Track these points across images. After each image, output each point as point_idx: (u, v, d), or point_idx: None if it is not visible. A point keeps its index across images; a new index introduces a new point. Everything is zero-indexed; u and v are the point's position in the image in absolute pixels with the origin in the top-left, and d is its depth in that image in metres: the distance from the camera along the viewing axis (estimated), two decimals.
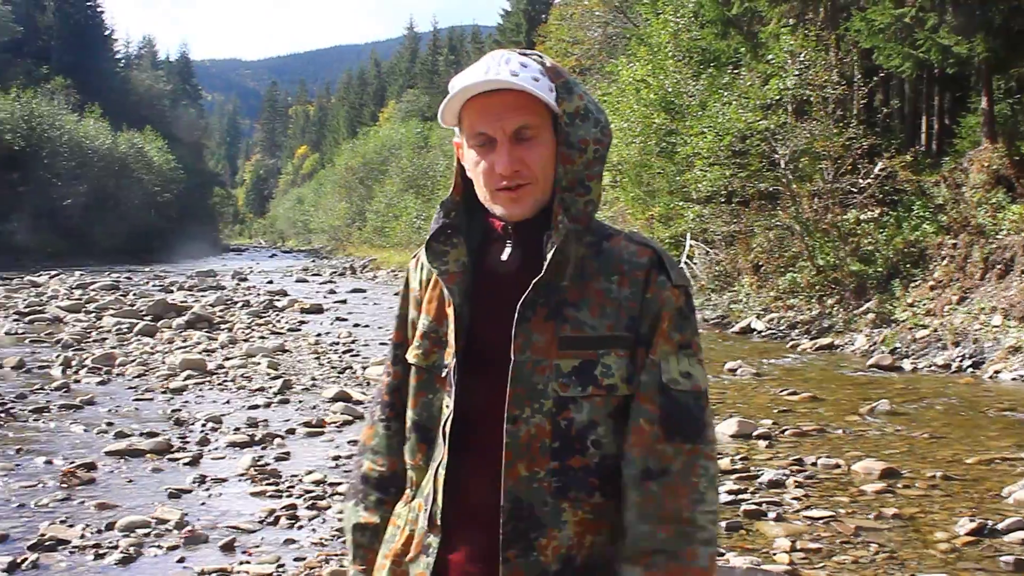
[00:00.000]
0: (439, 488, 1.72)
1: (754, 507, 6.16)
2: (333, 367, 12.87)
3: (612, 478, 1.67)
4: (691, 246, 19.33)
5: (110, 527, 5.95)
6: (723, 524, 5.86)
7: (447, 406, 1.73)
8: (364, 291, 28.53)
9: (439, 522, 1.72)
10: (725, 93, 17.39)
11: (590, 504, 1.67)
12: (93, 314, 19.29)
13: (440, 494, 1.72)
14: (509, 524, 1.65)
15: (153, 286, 28.67)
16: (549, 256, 1.65)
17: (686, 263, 19.19)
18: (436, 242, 1.77)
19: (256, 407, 10.00)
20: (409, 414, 1.83)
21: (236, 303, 21.88)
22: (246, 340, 15.29)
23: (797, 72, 16.34)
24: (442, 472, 1.72)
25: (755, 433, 8.41)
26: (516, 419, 1.66)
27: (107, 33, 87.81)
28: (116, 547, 5.59)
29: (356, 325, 18.44)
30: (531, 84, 1.66)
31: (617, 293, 1.68)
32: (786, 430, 8.60)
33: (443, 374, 1.76)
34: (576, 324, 1.66)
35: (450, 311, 1.75)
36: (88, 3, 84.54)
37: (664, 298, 1.69)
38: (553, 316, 1.67)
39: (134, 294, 24.34)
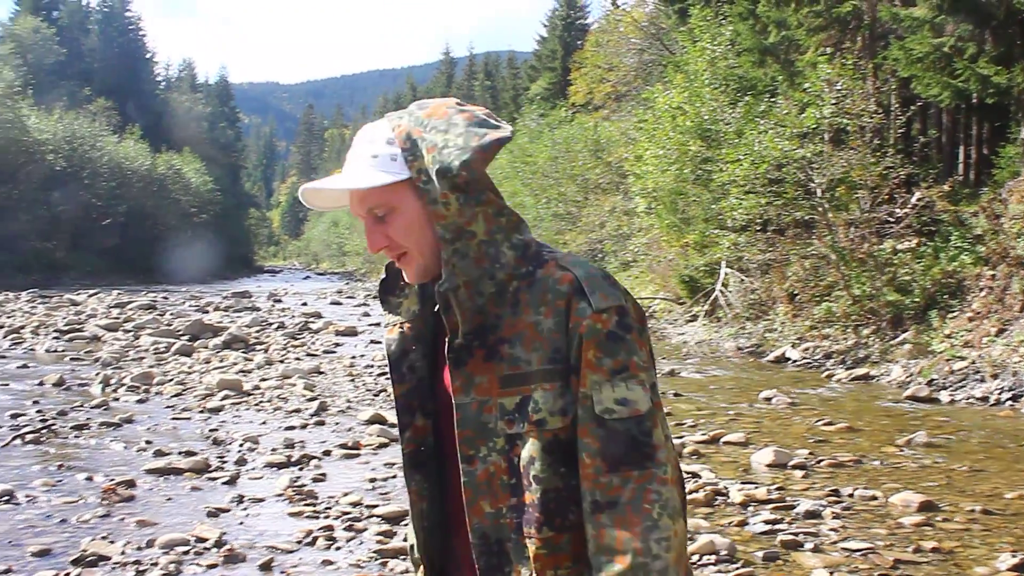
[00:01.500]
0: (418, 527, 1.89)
1: (791, 537, 6.13)
2: (368, 389, 12.95)
3: (559, 511, 1.66)
4: (726, 274, 19.28)
5: (150, 544, 6.03)
6: (760, 554, 5.85)
7: (403, 450, 1.87)
8: None
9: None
10: (761, 121, 17.37)
11: (540, 539, 1.67)
12: (131, 333, 19.52)
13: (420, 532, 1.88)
14: (482, 559, 1.71)
15: (189, 306, 28.95)
16: (446, 317, 1.70)
17: (720, 291, 19.14)
18: (390, 295, 1.86)
19: (292, 428, 10.08)
20: None
21: (271, 324, 22.04)
22: (282, 361, 15.41)
23: (834, 101, 16.30)
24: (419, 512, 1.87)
25: (791, 463, 8.37)
26: (472, 459, 1.70)
27: (148, 56, 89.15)
28: (156, 564, 5.66)
29: None
30: (365, 171, 1.70)
31: (544, 324, 1.66)
32: (822, 460, 8.55)
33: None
34: (512, 361, 1.67)
35: (387, 357, 1.87)
36: (131, 27, 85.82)
37: (585, 326, 1.64)
38: (491, 356, 1.68)
39: (171, 314, 24.60)
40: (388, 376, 1.91)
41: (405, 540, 1.68)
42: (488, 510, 1.70)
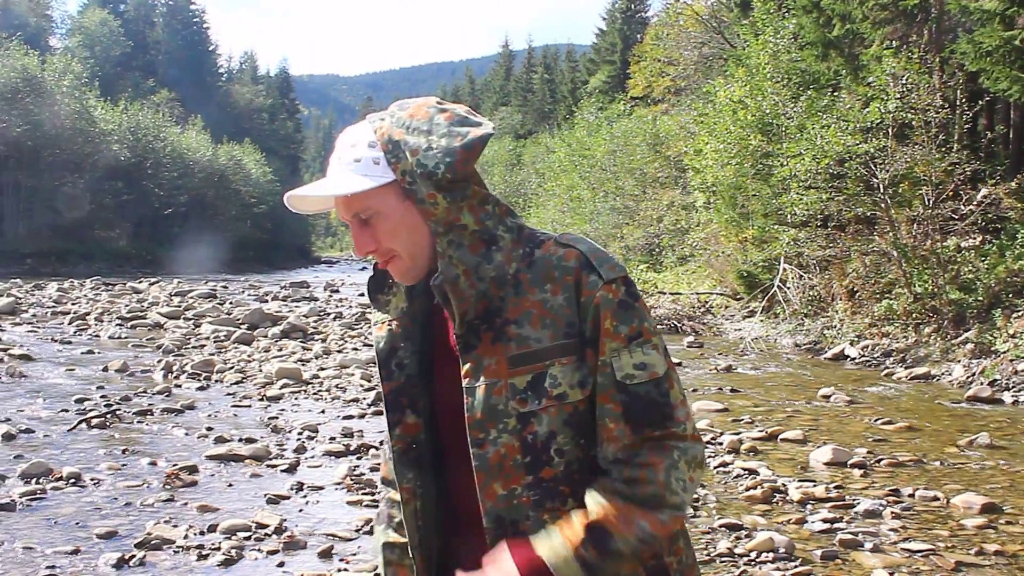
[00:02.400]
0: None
1: (850, 536, 6.06)
2: None
3: (582, 482, 1.71)
4: (785, 270, 19.10)
5: (212, 529, 6.13)
6: (818, 552, 5.80)
7: (393, 447, 1.89)
8: None
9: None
10: (824, 115, 17.16)
11: (565, 511, 1.70)
12: (192, 321, 19.83)
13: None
14: (496, 544, 1.72)
15: (248, 295, 29.33)
16: (448, 308, 1.74)
17: (779, 287, 18.96)
18: (379, 293, 1.89)
19: (350, 417, 10.17)
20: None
21: (329, 314, 22.26)
22: (339, 351, 15.56)
23: (899, 95, 16.05)
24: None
25: (850, 461, 8.27)
26: (482, 442, 1.72)
27: (211, 48, 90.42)
28: (218, 549, 5.76)
29: None
30: (348, 176, 1.72)
31: (552, 301, 1.70)
32: (882, 459, 8.44)
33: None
34: (520, 341, 1.70)
35: (376, 354, 1.92)
36: (194, 19, 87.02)
37: (599, 298, 1.69)
38: (498, 338, 1.71)
39: (230, 303, 24.94)
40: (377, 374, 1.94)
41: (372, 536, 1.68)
42: (501, 492, 1.72)
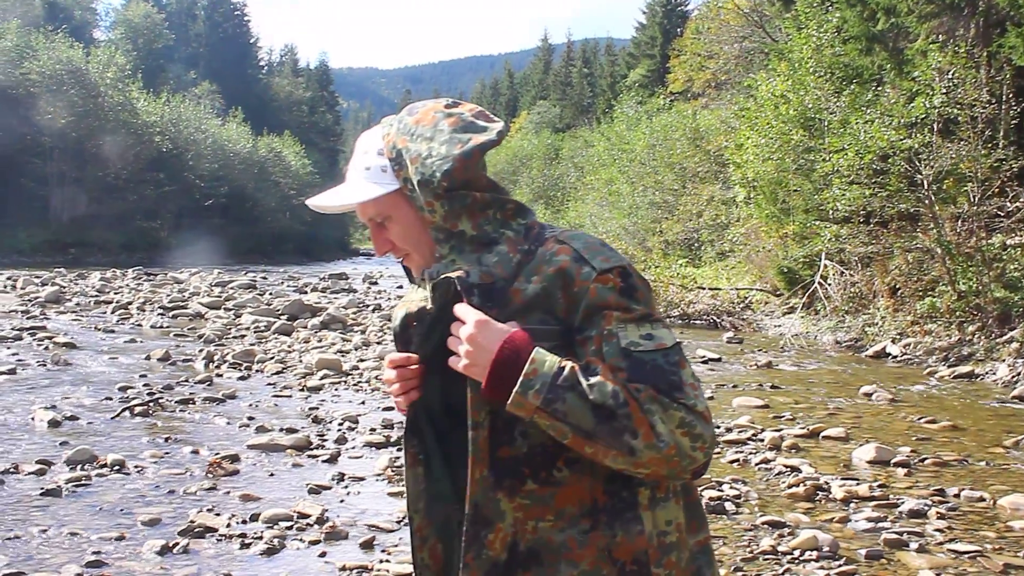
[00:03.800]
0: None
1: (895, 536, 5.99)
2: None
3: (546, 466, 1.71)
4: (826, 266, 18.92)
5: (254, 518, 6.17)
6: (863, 552, 5.74)
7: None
8: None
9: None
10: (867, 110, 16.96)
11: (525, 491, 1.71)
12: (232, 311, 19.98)
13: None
14: (470, 529, 1.74)
15: (288, 286, 29.51)
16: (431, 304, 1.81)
17: (820, 283, 18.80)
18: (411, 279, 1.97)
19: (391, 409, 10.17)
20: None
21: (368, 306, 22.34)
22: (379, 343, 15.60)
23: (945, 90, 15.82)
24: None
25: (893, 460, 8.18)
26: (477, 425, 1.73)
27: (252, 41, 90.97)
28: (260, 538, 5.79)
29: None
30: (359, 183, 1.81)
31: (532, 289, 1.71)
32: (926, 459, 8.34)
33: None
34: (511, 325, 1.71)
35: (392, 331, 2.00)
36: (236, 12, 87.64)
37: (595, 288, 1.68)
38: (501, 319, 1.71)
39: (270, 293, 25.10)
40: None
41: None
42: (478, 476, 1.73)
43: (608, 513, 1.72)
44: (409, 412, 1.91)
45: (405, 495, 1.96)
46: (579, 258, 1.71)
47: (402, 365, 1.89)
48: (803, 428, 9.48)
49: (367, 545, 5.76)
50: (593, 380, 1.61)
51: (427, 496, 1.92)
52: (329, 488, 7.03)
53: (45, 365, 12.29)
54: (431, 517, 1.92)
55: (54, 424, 8.83)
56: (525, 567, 1.72)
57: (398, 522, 6.19)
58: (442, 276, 1.76)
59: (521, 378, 1.61)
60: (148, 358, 13.28)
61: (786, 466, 7.88)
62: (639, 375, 1.63)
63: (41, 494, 6.60)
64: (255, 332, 16.50)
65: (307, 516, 6.21)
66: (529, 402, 1.61)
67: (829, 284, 18.72)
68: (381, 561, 5.48)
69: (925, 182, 15.73)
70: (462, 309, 1.69)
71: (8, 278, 26.29)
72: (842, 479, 7.50)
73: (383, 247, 1.87)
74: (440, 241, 1.78)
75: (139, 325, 17.59)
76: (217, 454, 7.85)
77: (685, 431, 1.61)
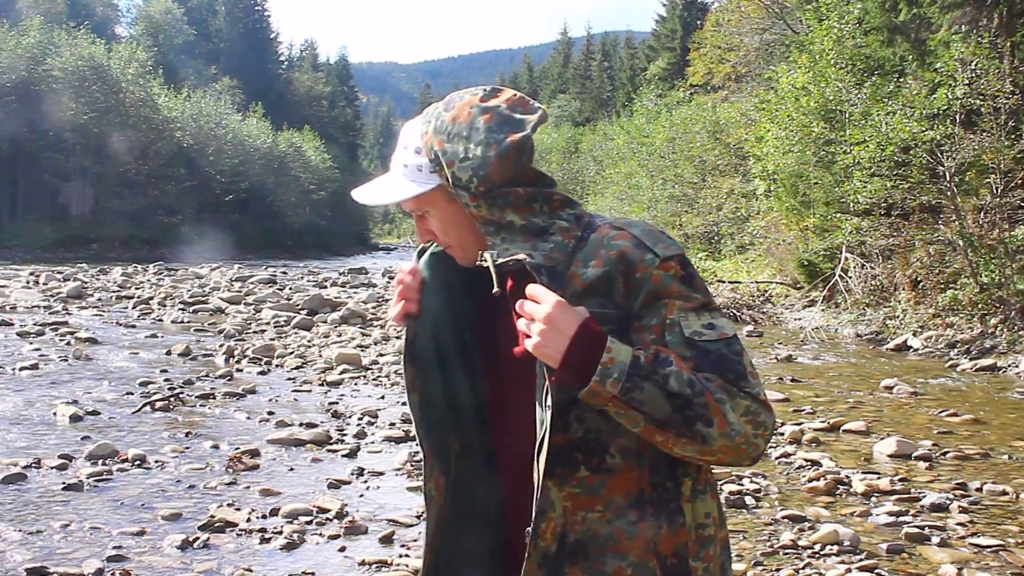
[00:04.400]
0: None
1: (916, 530, 5.95)
2: None
3: (599, 452, 1.70)
4: (846, 259, 18.81)
5: (274, 513, 6.19)
6: (884, 546, 5.70)
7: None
8: None
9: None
10: (889, 102, 16.84)
11: (576, 479, 1.70)
12: (252, 306, 20.07)
13: None
14: (539, 519, 1.72)
15: (307, 281, 29.60)
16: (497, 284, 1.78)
17: (840, 276, 18.69)
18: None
19: None
20: None
21: (387, 300, 22.36)
22: (398, 338, 15.61)
23: (967, 81, 15.68)
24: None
25: (914, 454, 8.12)
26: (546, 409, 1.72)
27: (272, 36, 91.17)
28: (280, 532, 5.81)
29: None
30: (398, 180, 1.85)
31: (591, 273, 1.70)
32: (947, 452, 8.27)
33: None
34: None
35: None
36: (256, 7, 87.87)
37: (657, 276, 1.67)
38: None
39: (290, 288, 25.18)
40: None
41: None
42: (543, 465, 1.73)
43: (654, 504, 1.72)
44: (408, 331, 1.98)
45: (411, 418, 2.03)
46: (640, 244, 1.70)
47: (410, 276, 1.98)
48: (823, 422, 9.43)
49: (387, 540, 5.76)
50: (668, 369, 1.60)
51: (426, 423, 1.97)
52: (349, 483, 7.04)
53: (67, 360, 12.37)
54: (432, 444, 1.96)
55: (76, 419, 8.89)
56: (572, 560, 1.71)
57: (417, 517, 6.19)
58: (512, 257, 1.73)
59: (599, 366, 1.60)
60: (169, 353, 13.35)
61: (806, 460, 7.84)
62: (705, 364, 1.64)
63: (63, 489, 6.65)
64: (275, 327, 16.55)
65: (327, 511, 6.22)
66: (607, 391, 1.59)
67: (850, 277, 18.62)
68: (401, 556, 5.48)
69: (947, 174, 15.60)
70: (536, 289, 1.67)
71: (30, 273, 26.50)
72: (863, 473, 7.46)
73: (425, 237, 1.93)
74: (491, 233, 1.78)
75: (160, 320, 17.68)
76: (237, 449, 7.88)
77: (750, 419, 1.62)
